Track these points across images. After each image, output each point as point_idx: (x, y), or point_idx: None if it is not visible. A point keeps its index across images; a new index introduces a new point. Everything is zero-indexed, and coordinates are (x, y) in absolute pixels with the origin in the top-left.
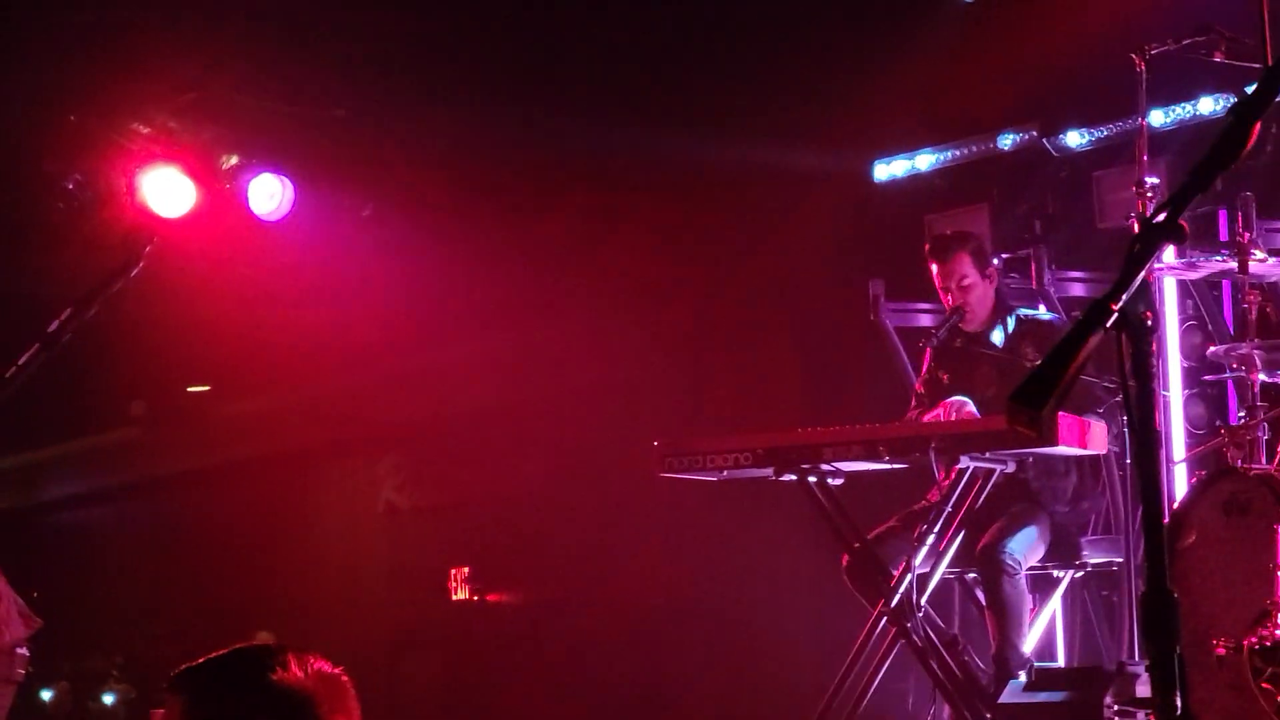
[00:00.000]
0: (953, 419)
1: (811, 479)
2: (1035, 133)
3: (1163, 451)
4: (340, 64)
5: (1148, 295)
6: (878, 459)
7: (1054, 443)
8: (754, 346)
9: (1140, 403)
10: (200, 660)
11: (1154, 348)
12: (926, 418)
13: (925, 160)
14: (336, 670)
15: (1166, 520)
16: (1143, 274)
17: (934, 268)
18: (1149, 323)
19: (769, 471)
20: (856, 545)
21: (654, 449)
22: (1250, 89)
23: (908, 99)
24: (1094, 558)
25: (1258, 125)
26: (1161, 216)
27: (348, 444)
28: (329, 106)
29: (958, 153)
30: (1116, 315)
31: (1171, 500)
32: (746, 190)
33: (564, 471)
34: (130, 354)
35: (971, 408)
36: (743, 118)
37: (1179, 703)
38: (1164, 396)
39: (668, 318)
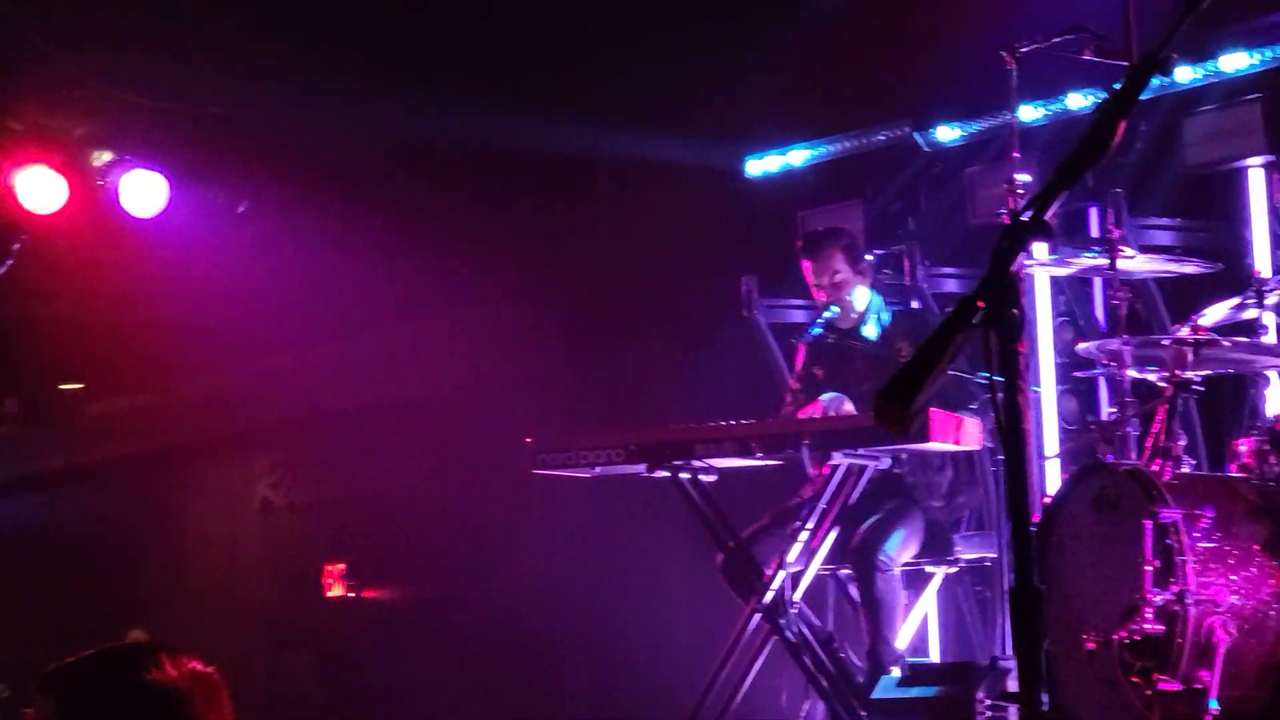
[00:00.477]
0: (830, 415)
1: (684, 476)
2: (908, 129)
3: (1035, 447)
4: (215, 60)
5: (1015, 292)
6: (750, 455)
7: (927, 439)
8: (629, 343)
9: (1008, 399)
10: (71, 659)
11: (1022, 344)
12: (802, 413)
13: (798, 156)
14: (209, 669)
15: (1038, 516)
16: (1010, 271)
17: (806, 265)
18: (1016, 319)
19: (642, 468)
20: (730, 543)
21: (527, 446)
22: (1116, 87)
23: (781, 94)
24: (968, 553)
25: (1123, 123)
26: (1028, 214)
27: (223, 441)
28: (204, 103)
29: (831, 149)
30: (984, 312)
31: (1044, 495)
32: (621, 186)
33: (440, 468)
34: (1, 350)
35: (850, 406)
36: (617, 114)
37: (1044, 698)
38: (1035, 392)
39: (543, 315)
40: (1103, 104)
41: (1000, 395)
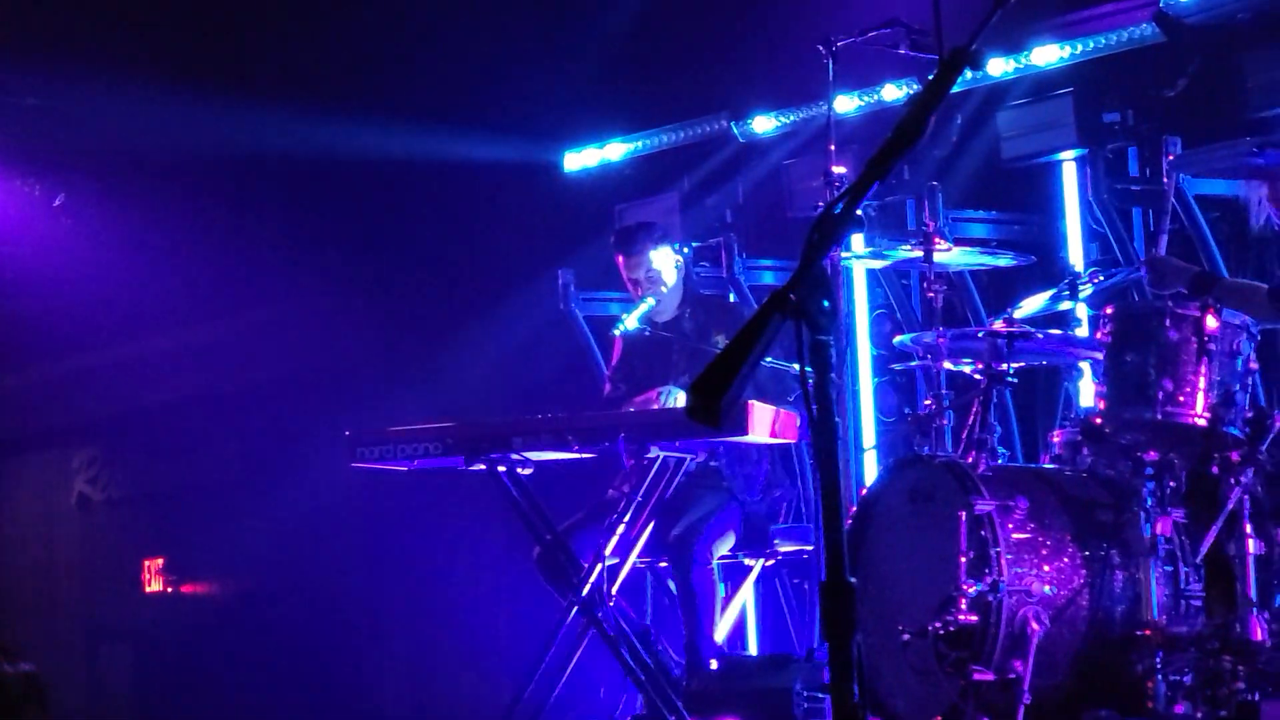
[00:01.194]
0: (653, 408)
1: (501, 468)
2: (725, 121)
3: (852, 439)
4: (30, 52)
5: (827, 284)
6: (567, 448)
7: (745, 431)
8: (448, 337)
9: (818, 391)
10: None
11: (833, 336)
12: (637, 401)
13: (617, 150)
14: (29, 666)
15: (854, 508)
16: (821, 264)
17: (620, 259)
18: (827, 312)
19: (459, 460)
20: (548, 536)
21: (345, 438)
22: (926, 81)
23: (598, 88)
24: (785, 546)
25: (932, 116)
26: (839, 207)
27: (39, 436)
28: (19, 95)
29: (649, 142)
30: (794, 304)
31: (861, 487)
32: (439, 180)
33: (260, 462)
34: None
35: (683, 399)
36: (434, 109)
37: (856, 690)
38: (852, 384)
39: (362, 308)
40: (912, 98)
41: (810, 388)
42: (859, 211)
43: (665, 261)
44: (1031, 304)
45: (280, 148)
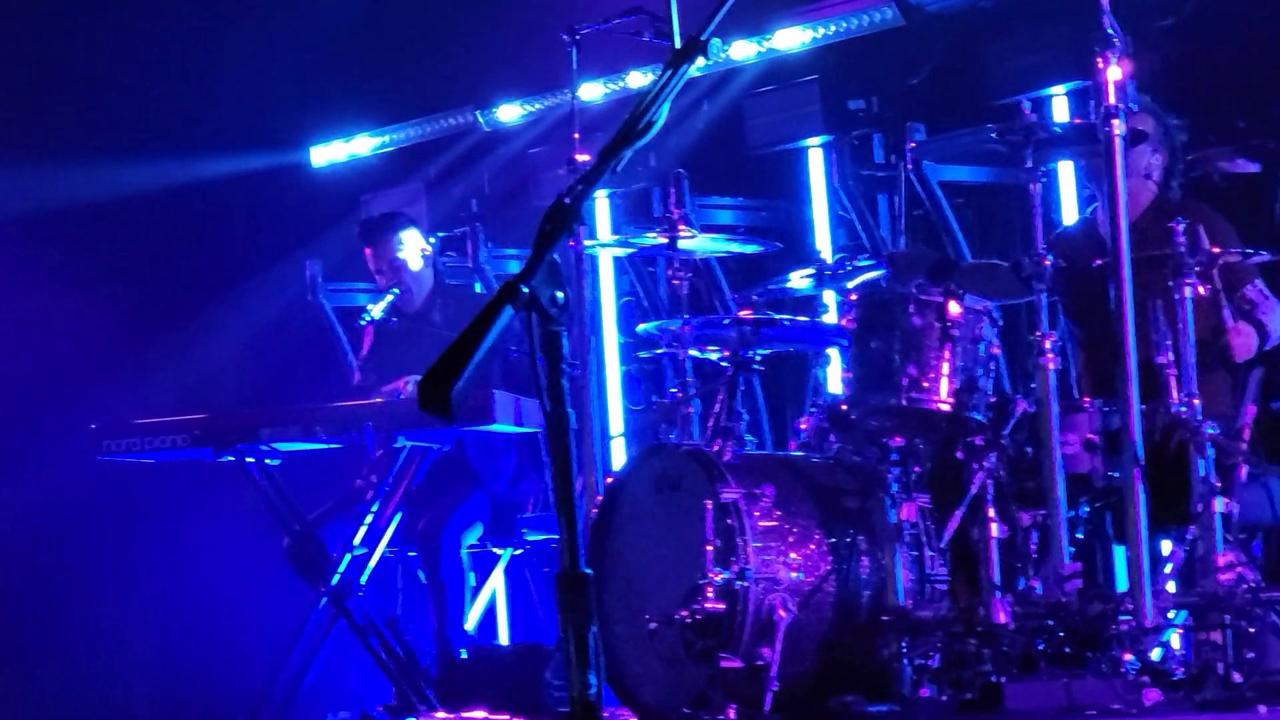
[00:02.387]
0: (401, 398)
1: (249, 459)
2: (471, 111)
3: (598, 427)
4: None
5: (559, 275)
6: (314, 438)
7: (489, 421)
8: (197, 329)
9: (550, 382)
10: None
11: (565, 327)
12: (384, 390)
13: (365, 144)
14: None
15: (600, 496)
16: (553, 253)
17: (367, 250)
18: (559, 302)
19: (208, 452)
20: (296, 527)
21: (91, 431)
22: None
23: (343, 84)
24: (534, 535)
25: (664, 105)
26: (571, 196)
27: None
28: None
29: (397, 136)
30: (526, 295)
31: (608, 476)
32: (187, 173)
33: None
34: None
35: None
36: (179, 103)
37: (594, 680)
38: (599, 372)
39: (110, 301)
40: (647, 86)
41: (543, 378)
42: (591, 202)
43: (412, 251)
44: (779, 290)
45: (22, 132)
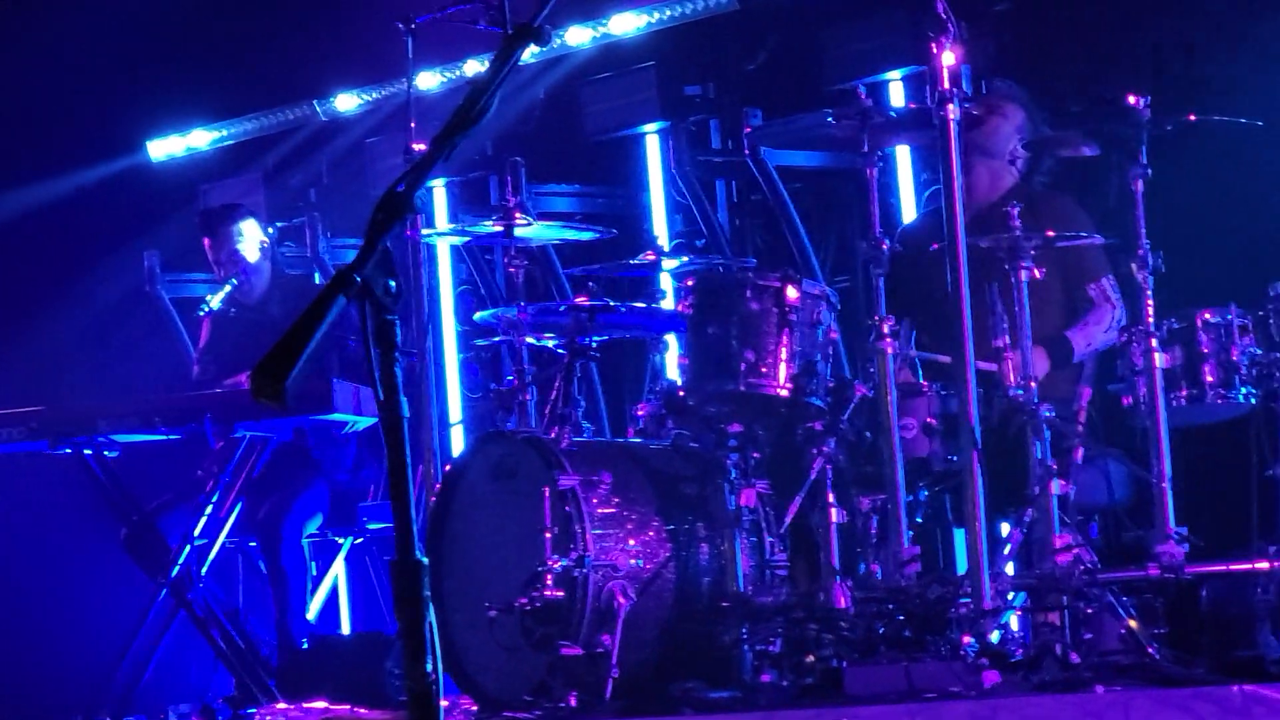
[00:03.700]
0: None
1: (87, 451)
2: (309, 101)
3: (436, 415)
4: None
5: (391, 264)
6: (153, 430)
7: (329, 410)
8: (31, 322)
9: (384, 372)
10: None
11: (399, 315)
12: (227, 384)
13: (203, 137)
14: None
15: (439, 484)
16: (385, 243)
17: (206, 241)
18: (391, 291)
19: (44, 445)
20: (134, 517)
21: None
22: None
23: (181, 78)
24: (374, 523)
25: (495, 94)
26: (403, 185)
27: None
28: None
29: (236, 130)
30: (359, 285)
31: (446, 464)
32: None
33: None
34: None
35: None
36: (14, 97)
37: (430, 669)
38: (437, 361)
39: None
40: (478, 74)
41: (376, 368)
42: (424, 190)
43: (251, 242)
44: (609, 276)
45: None
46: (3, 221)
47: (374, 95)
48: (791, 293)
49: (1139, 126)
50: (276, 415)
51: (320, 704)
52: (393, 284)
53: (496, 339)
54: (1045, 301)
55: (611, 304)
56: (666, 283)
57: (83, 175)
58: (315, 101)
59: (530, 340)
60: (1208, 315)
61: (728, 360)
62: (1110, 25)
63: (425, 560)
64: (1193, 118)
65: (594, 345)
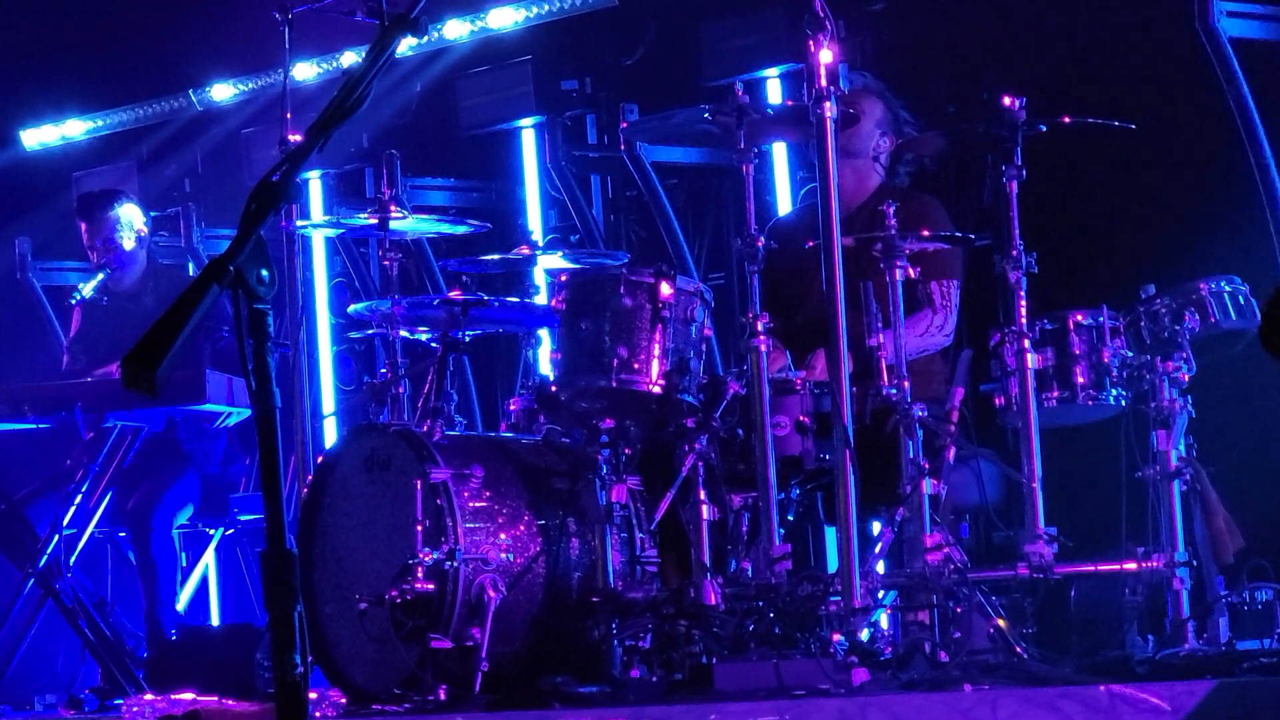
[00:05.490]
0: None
1: None
2: (185, 91)
3: (309, 407)
4: None
5: (265, 254)
6: (23, 418)
7: (202, 400)
8: None
9: (257, 361)
10: None
11: (272, 306)
12: (97, 374)
13: (77, 127)
14: None
15: (310, 476)
16: (258, 233)
17: (83, 225)
18: (266, 281)
19: None
20: (2, 506)
21: None
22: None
23: (55, 65)
24: (245, 514)
25: (370, 84)
26: (277, 175)
27: None
28: None
29: (111, 120)
30: (232, 274)
31: (319, 456)
32: None
33: None
34: None
35: None
36: None
37: (298, 661)
38: (311, 353)
39: None
40: (355, 65)
41: (249, 358)
42: (299, 181)
43: (128, 229)
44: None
45: None
46: None
47: (250, 85)
48: (665, 289)
49: (1014, 128)
50: (148, 405)
51: (188, 695)
52: (266, 274)
53: (370, 332)
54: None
55: (485, 298)
56: (540, 278)
57: None
58: (191, 91)
59: (404, 334)
60: (1079, 317)
61: (600, 356)
62: (986, 26)
63: (295, 551)
64: (1067, 120)
65: (467, 339)
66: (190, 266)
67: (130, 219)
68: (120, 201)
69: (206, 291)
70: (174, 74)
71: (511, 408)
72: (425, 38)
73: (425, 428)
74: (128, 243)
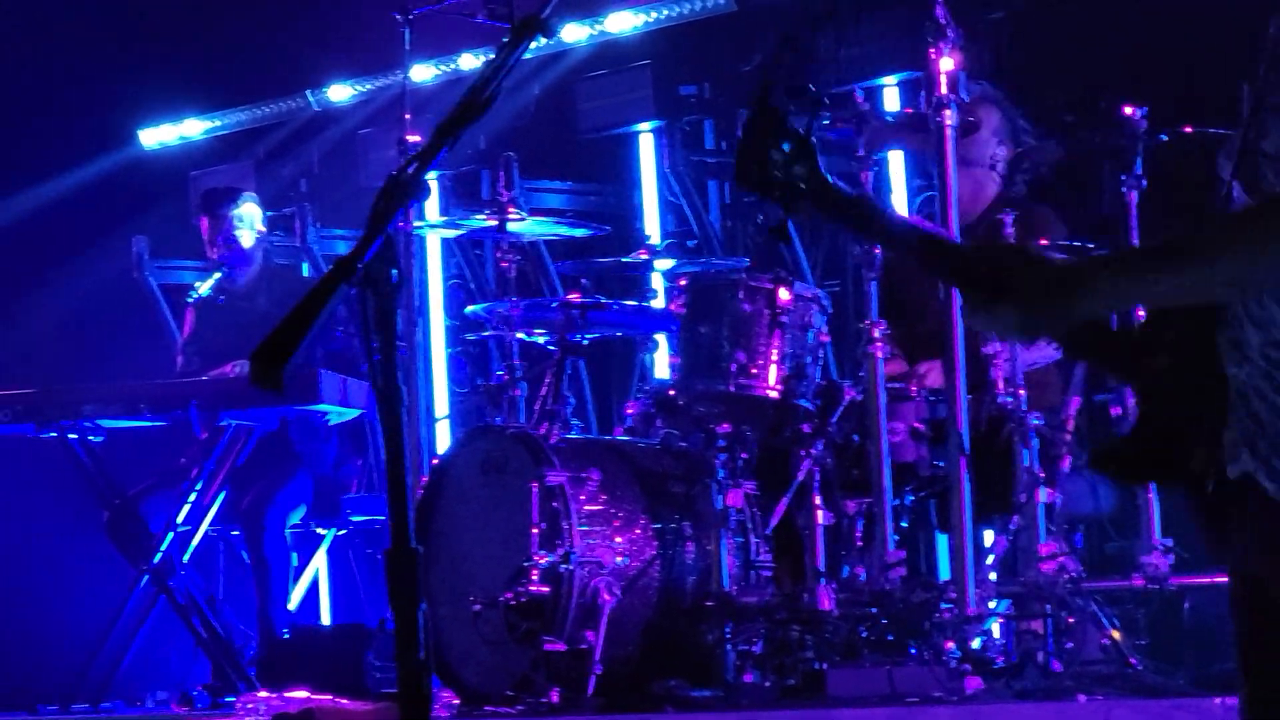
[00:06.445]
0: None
1: (72, 436)
2: (302, 88)
3: (423, 409)
4: None
5: (393, 252)
6: (138, 415)
7: (316, 400)
8: (21, 304)
9: (384, 361)
10: None
11: (399, 306)
12: (211, 375)
13: (195, 126)
14: None
15: (426, 478)
16: (387, 231)
17: (204, 222)
18: (393, 280)
19: (29, 428)
20: (116, 502)
21: None
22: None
23: (174, 67)
24: (357, 515)
25: (499, 85)
26: (407, 174)
27: None
28: None
29: (229, 121)
30: (360, 273)
31: (433, 457)
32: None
33: None
34: None
35: None
36: (6, 86)
37: (421, 655)
38: (425, 354)
39: None
40: (483, 64)
41: (376, 357)
42: (427, 179)
43: (249, 227)
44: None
45: None
46: None
47: (368, 86)
48: (784, 295)
49: (1135, 137)
50: (262, 404)
51: (302, 693)
52: (394, 273)
53: (486, 334)
54: None
55: (603, 301)
56: (657, 282)
57: (76, 162)
58: (309, 91)
59: (520, 336)
60: None
61: (718, 360)
62: (1105, 34)
63: (420, 549)
64: (1189, 129)
65: (584, 342)
66: (305, 267)
67: (251, 217)
68: (243, 199)
69: (335, 289)
70: (292, 74)
71: (628, 411)
72: (554, 38)
73: (542, 430)
74: (247, 240)
